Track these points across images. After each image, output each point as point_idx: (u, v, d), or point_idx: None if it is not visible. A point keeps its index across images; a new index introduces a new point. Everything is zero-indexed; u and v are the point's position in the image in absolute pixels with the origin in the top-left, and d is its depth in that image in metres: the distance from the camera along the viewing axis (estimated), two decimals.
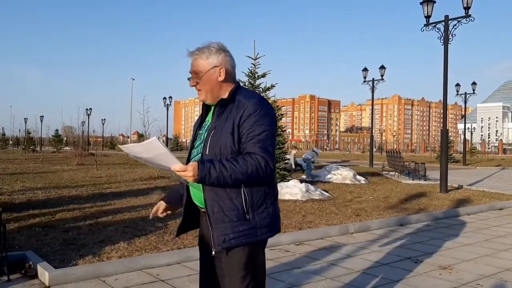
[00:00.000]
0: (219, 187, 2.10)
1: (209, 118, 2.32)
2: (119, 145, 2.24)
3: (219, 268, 2.30)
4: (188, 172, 2.01)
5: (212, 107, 2.31)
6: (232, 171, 2.04)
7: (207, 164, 2.03)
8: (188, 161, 2.26)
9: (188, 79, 2.28)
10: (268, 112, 2.17)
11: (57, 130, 48.20)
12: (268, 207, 2.22)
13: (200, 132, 2.33)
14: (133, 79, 45.03)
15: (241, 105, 2.17)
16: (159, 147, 2.01)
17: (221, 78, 2.24)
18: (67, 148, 38.84)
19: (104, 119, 62.94)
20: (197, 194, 2.27)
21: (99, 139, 60.83)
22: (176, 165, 2.03)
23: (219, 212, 2.15)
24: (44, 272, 4.16)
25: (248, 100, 2.17)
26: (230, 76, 2.27)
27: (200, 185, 2.15)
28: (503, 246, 6.18)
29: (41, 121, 51.52)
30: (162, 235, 5.88)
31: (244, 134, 2.12)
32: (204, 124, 2.34)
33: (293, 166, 15.53)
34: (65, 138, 46.52)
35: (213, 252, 2.19)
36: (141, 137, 27.92)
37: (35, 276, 4.30)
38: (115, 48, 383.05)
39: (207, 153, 2.17)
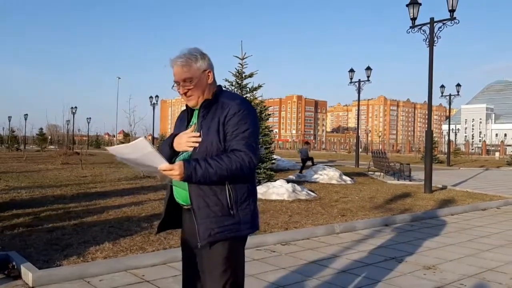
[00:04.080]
0: (206, 184, 2.19)
1: (194, 119, 2.39)
2: (106, 147, 2.27)
3: (200, 264, 2.38)
4: (175, 170, 2.10)
5: (196, 109, 2.38)
6: (217, 168, 2.14)
7: (193, 163, 2.13)
8: (173, 161, 2.31)
9: (172, 87, 2.35)
10: (251, 112, 2.29)
11: (41, 129, 47.69)
12: (250, 204, 2.32)
13: None
14: (119, 78, 44.74)
15: (225, 105, 2.27)
16: (146, 146, 2.07)
17: (210, 81, 2.36)
18: (52, 147, 38.49)
19: (90, 118, 62.24)
20: (181, 193, 2.34)
21: (84, 138, 60.27)
22: (163, 165, 2.11)
23: (205, 207, 2.22)
24: (28, 273, 4.11)
25: (232, 101, 2.29)
26: (214, 78, 2.39)
27: (186, 183, 2.22)
28: (486, 246, 6.27)
29: (25, 120, 51.06)
30: (147, 235, 5.85)
31: (229, 132, 2.23)
32: (189, 125, 2.41)
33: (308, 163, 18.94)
34: (49, 137, 46.03)
35: (199, 246, 2.25)
36: (127, 136, 27.71)
37: (18, 276, 4.24)
38: (100, 47, 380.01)
39: (196, 151, 2.25)
